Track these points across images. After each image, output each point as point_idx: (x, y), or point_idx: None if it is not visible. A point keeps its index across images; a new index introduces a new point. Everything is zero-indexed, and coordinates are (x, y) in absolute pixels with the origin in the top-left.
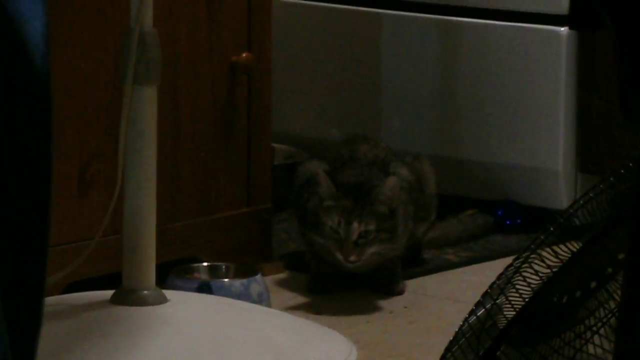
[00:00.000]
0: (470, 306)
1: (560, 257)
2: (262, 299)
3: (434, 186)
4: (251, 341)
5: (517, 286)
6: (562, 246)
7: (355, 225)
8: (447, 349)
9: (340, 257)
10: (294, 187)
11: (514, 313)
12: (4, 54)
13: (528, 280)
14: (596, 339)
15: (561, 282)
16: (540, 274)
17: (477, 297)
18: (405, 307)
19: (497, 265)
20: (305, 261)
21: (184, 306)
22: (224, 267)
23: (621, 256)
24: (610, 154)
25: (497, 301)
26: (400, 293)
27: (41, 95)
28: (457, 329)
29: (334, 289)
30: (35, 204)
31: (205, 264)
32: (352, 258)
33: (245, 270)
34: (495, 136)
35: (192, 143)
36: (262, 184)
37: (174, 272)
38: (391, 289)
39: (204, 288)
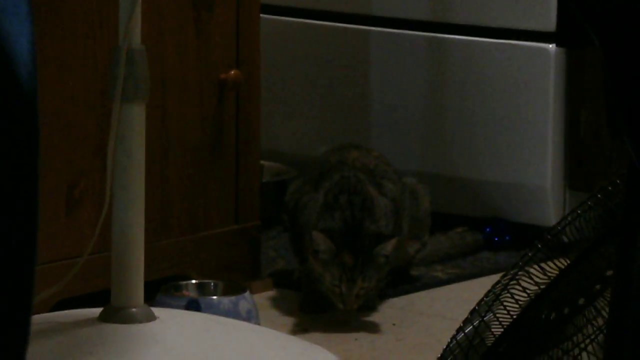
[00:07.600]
0: (459, 323)
1: (548, 274)
2: (250, 317)
3: (427, 205)
4: (240, 359)
5: (505, 303)
6: (550, 263)
7: (359, 282)
8: None
9: (340, 306)
10: (286, 208)
11: (502, 330)
12: None
13: (516, 297)
14: (584, 355)
15: (549, 299)
16: (528, 291)
17: (465, 314)
18: (393, 325)
19: (486, 282)
20: (294, 279)
21: (172, 324)
22: (212, 284)
23: (609, 273)
24: (598, 171)
25: (485, 318)
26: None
27: (28, 112)
28: (445, 346)
29: (326, 308)
30: (21, 222)
31: (193, 281)
32: (353, 307)
33: (233, 288)
34: (484, 153)
35: (181, 160)
36: (250, 201)
37: (162, 289)
38: (370, 305)
39: (193, 305)
